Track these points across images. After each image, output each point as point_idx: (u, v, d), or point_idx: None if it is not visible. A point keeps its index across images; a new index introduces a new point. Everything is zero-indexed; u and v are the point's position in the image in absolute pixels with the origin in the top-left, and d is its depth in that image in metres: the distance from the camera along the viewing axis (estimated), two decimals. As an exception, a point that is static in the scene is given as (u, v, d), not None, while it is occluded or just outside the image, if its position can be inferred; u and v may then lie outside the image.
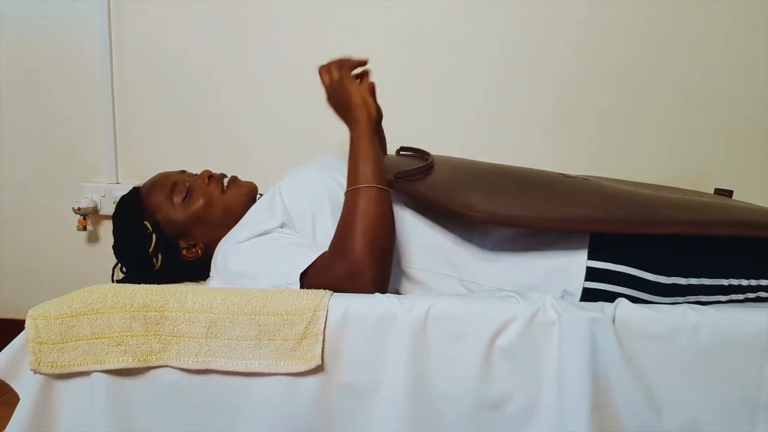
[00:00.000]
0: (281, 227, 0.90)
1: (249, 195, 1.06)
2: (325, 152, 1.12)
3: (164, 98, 1.59)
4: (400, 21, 1.52)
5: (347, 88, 0.91)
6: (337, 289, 0.78)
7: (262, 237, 0.88)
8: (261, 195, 1.06)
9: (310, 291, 0.78)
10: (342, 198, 0.87)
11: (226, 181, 1.07)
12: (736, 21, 1.46)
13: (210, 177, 1.06)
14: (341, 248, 0.81)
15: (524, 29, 1.50)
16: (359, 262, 0.79)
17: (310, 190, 0.96)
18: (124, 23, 1.55)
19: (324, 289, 0.78)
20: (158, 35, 1.56)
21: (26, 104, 1.61)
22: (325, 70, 0.94)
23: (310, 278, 0.81)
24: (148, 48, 1.56)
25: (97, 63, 1.56)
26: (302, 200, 0.95)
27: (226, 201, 1.03)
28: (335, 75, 0.92)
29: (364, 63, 0.96)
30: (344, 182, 0.89)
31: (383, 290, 0.81)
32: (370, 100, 0.92)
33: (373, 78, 0.95)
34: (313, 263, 0.82)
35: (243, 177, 1.10)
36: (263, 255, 0.86)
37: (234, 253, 0.88)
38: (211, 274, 0.95)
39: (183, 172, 1.09)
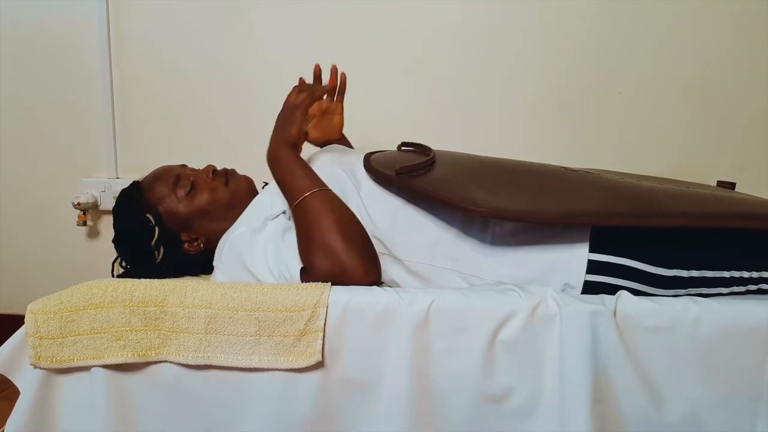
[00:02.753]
0: (281, 214, 0.91)
1: (248, 188, 1.06)
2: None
3: (163, 93, 1.58)
4: (397, 17, 1.51)
5: (296, 118, 0.94)
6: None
7: (264, 231, 0.88)
8: (266, 183, 1.05)
9: (309, 286, 0.77)
10: (351, 185, 0.89)
11: (228, 175, 1.07)
12: (739, 14, 1.45)
13: (214, 172, 1.05)
14: (312, 250, 0.81)
15: (525, 22, 1.49)
16: (337, 253, 0.79)
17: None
18: (123, 20, 1.55)
19: None
20: (157, 31, 1.55)
21: (26, 100, 1.60)
22: (295, 91, 0.98)
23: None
24: (146, 44, 1.56)
25: (96, 59, 1.55)
26: None
27: (230, 195, 1.03)
28: (297, 99, 0.96)
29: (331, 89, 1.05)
30: (354, 170, 0.94)
31: (377, 278, 0.81)
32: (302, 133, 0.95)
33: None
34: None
35: (242, 172, 1.10)
36: (265, 252, 0.86)
37: (238, 244, 0.89)
38: (215, 264, 0.95)
39: (184, 166, 1.09)
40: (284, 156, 0.91)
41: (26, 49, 1.57)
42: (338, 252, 0.80)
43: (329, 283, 0.78)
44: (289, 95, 0.98)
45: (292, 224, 0.91)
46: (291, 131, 0.93)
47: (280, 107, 1.56)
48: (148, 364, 0.77)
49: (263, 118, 1.57)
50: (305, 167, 0.91)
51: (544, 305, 0.75)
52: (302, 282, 0.81)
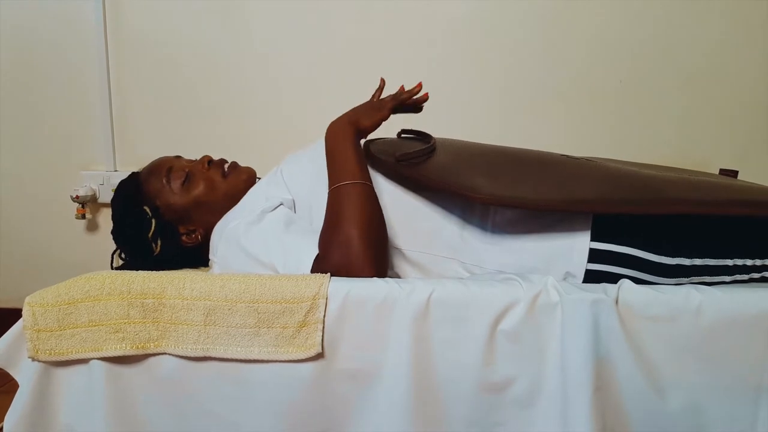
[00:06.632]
0: (279, 205, 0.90)
1: (248, 180, 1.05)
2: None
3: (160, 86, 1.58)
4: (398, 7, 1.49)
5: (378, 114, 0.94)
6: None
7: (264, 222, 0.87)
8: (259, 179, 1.05)
9: (309, 277, 0.77)
10: None
11: (226, 166, 1.06)
12: (740, 2, 1.44)
13: (210, 162, 1.05)
14: (333, 239, 0.80)
15: (526, 11, 1.48)
16: (353, 249, 0.78)
17: (311, 175, 0.95)
18: (120, 14, 1.54)
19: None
20: (154, 24, 1.55)
21: (24, 94, 1.60)
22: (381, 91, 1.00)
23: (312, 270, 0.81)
24: (143, 36, 1.55)
25: (94, 51, 1.55)
26: (302, 184, 0.94)
27: (227, 186, 1.02)
28: (385, 100, 0.97)
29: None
30: None
31: (383, 275, 0.80)
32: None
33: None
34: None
35: (239, 163, 1.09)
36: (268, 243, 0.85)
37: (235, 236, 0.87)
38: (211, 257, 0.94)
39: (179, 157, 1.08)
40: (348, 136, 0.91)
41: (24, 43, 1.56)
42: (354, 248, 0.78)
43: (328, 274, 0.77)
44: (377, 93, 1.00)
45: (295, 216, 0.90)
46: (365, 121, 0.94)
47: (277, 100, 1.56)
48: (146, 356, 0.76)
49: (260, 110, 1.57)
50: (360, 156, 0.90)
51: (545, 294, 0.74)
52: (312, 269, 0.80)
